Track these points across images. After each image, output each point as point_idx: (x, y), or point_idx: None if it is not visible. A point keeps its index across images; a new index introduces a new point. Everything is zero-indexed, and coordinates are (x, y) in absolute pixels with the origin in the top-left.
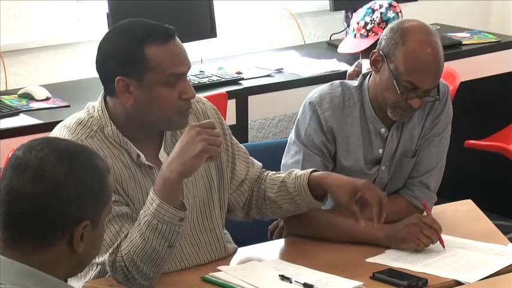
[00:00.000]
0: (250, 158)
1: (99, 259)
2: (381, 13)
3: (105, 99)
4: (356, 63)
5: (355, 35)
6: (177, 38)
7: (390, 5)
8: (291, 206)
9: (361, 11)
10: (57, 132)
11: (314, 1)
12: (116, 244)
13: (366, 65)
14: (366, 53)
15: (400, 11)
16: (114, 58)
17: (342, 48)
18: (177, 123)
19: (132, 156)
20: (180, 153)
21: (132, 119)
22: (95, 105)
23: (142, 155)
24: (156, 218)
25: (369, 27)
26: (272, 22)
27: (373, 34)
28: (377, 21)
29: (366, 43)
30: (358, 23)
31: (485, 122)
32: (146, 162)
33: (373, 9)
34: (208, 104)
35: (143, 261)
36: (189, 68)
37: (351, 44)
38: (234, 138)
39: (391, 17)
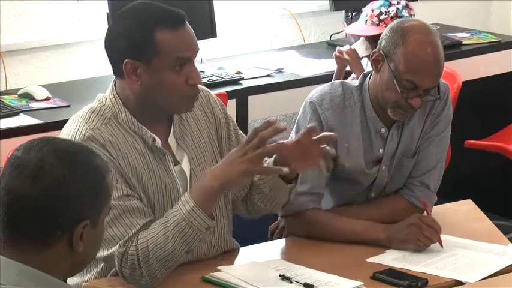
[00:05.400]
0: None
1: (106, 252)
2: (397, 9)
3: (115, 85)
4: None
5: (366, 21)
6: (187, 23)
7: (407, 6)
8: (269, 190)
9: (379, 2)
10: (72, 122)
11: (314, 1)
12: (127, 237)
13: (358, 48)
14: (370, 40)
15: (414, 14)
16: (124, 40)
17: (349, 29)
18: (182, 107)
19: (146, 142)
20: (226, 165)
21: (140, 101)
22: (105, 95)
23: (158, 139)
24: (185, 220)
25: (382, 17)
26: (272, 22)
27: (384, 25)
28: (392, 14)
29: (373, 30)
30: (372, 11)
31: (485, 122)
32: (161, 147)
33: (390, 2)
34: (211, 94)
35: (157, 259)
36: (197, 52)
37: (360, 27)
38: (239, 130)
39: (405, 15)
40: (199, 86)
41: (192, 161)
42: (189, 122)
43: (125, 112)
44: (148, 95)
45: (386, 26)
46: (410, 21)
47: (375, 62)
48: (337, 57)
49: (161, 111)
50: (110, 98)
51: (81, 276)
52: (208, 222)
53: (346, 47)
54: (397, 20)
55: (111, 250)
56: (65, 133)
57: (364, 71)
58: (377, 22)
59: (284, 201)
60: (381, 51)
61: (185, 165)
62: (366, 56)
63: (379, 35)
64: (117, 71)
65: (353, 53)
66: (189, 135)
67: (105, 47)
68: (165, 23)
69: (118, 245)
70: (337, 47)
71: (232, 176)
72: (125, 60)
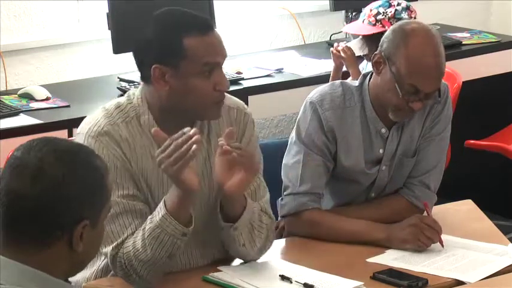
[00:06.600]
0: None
1: (104, 249)
2: (396, 10)
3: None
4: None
5: (363, 20)
6: (215, 29)
7: (407, 8)
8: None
9: (378, 1)
10: (97, 112)
11: (314, 1)
12: (121, 239)
13: (353, 47)
14: (366, 40)
15: (415, 17)
16: (152, 46)
17: (347, 28)
18: (209, 114)
19: None
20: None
21: (166, 108)
22: (135, 93)
23: None
24: (159, 227)
25: (379, 17)
26: (272, 22)
27: (380, 25)
28: (389, 15)
29: (369, 30)
30: (370, 10)
31: (485, 122)
32: None
33: (390, 3)
34: (251, 117)
35: (140, 264)
36: (225, 58)
37: (357, 26)
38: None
39: (405, 18)
40: (242, 105)
41: (201, 176)
42: (211, 136)
43: (148, 115)
44: (176, 100)
45: (382, 27)
46: (411, 23)
47: (376, 64)
48: (334, 54)
49: (186, 118)
50: (137, 98)
51: (88, 267)
52: (181, 229)
53: (342, 45)
54: (399, 23)
55: (105, 249)
56: (87, 121)
57: (358, 68)
58: (374, 22)
59: (228, 243)
60: (382, 54)
61: None
62: (364, 56)
63: (375, 34)
64: (145, 76)
65: (349, 50)
66: (204, 149)
67: (134, 53)
68: (193, 29)
69: (111, 247)
70: (334, 44)
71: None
72: (153, 66)
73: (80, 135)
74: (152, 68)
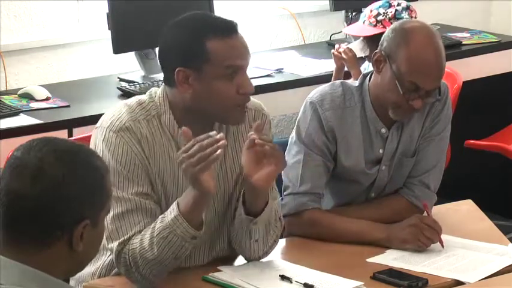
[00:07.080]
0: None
1: (110, 244)
2: (396, 10)
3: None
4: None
5: (364, 21)
6: (239, 32)
7: (407, 7)
8: (237, 220)
9: (379, 2)
10: (118, 108)
11: (314, 1)
12: (127, 236)
13: (355, 48)
14: (367, 41)
15: (415, 17)
16: (176, 50)
17: (347, 29)
18: (232, 118)
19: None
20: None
21: (189, 110)
22: (157, 91)
23: None
24: (169, 227)
25: (379, 18)
26: (272, 22)
27: (381, 26)
28: (389, 16)
29: (370, 31)
30: (371, 11)
31: (485, 122)
32: None
33: (390, 3)
34: (269, 119)
35: (145, 262)
36: (249, 61)
37: (358, 28)
38: None
39: (405, 17)
40: (260, 105)
41: (217, 178)
42: (228, 138)
43: (170, 115)
44: (199, 103)
45: (383, 27)
46: (412, 22)
47: (376, 63)
48: (335, 56)
49: (208, 120)
50: (159, 97)
51: (93, 263)
52: (192, 232)
53: (343, 46)
54: (399, 21)
55: (111, 245)
56: (109, 115)
57: (360, 69)
58: (374, 23)
59: (242, 237)
60: (382, 52)
61: None
62: (366, 57)
63: (376, 35)
64: (169, 79)
65: (350, 52)
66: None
67: (159, 56)
68: (217, 31)
69: (117, 242)
70: (336, 46)
71: (191, 183)
72: (177, 69)
73: (100, 128)
74: (176, 71)
